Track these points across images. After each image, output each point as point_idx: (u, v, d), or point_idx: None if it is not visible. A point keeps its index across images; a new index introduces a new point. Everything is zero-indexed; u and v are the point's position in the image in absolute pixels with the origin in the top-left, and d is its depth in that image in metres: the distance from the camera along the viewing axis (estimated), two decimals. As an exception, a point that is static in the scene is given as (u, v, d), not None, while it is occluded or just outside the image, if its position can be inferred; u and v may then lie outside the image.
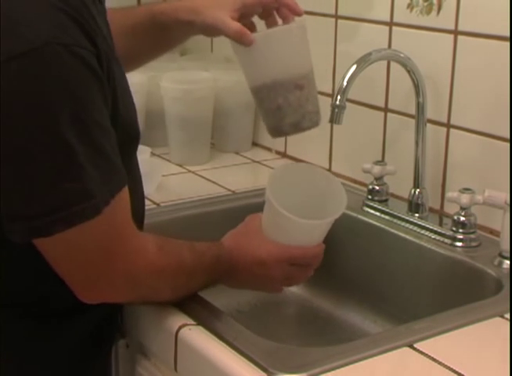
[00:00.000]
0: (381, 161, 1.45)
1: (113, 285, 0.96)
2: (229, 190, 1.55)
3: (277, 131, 1.15)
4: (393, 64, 1.43)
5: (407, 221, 1.37)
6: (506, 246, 1.20)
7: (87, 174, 0.88)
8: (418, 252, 1.32)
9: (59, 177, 0.87)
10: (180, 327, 1.02)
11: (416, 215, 1.37)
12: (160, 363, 1.10)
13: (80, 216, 0.88)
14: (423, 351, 0.97)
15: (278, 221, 1.07)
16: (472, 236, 1.28)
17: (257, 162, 1.73)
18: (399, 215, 1.38)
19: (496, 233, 1.27)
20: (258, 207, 1.14)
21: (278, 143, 1.74)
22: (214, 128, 1.75)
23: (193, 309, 1.06)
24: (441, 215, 1.39)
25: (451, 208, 1.33)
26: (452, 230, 1.29)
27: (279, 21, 1.19)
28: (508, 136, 1.26)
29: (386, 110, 1.49)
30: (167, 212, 1.42)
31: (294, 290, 1.48)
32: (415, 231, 1.35)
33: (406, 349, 0.97)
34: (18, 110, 0.85)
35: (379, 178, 1.44)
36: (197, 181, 1.60)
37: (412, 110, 1.36)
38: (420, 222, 1.35)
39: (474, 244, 1.28)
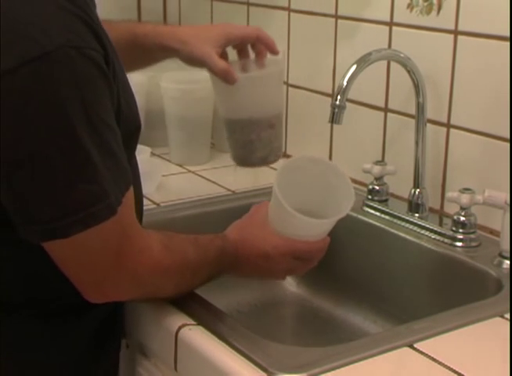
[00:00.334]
0: (381, 161, 1.45)
1: (118, 285, 0.97)
2: (229, 190, 1.55)
3: (245, 162, 1.26)
4: (393, 64, 1.42)
5: (407, 221, 1.37)
6: (506, 246, 1.20)
7: (100, 175, 0.88)
8: (418, 252, 1.32)
9: (75, 179, 0.87)
10: (180, 327, 1.02)
11: (416, 215, 1.37)
12: (160, 363, 1.10)
13: (96, 217, 0.88)
14: (423, 351, 0.97)
15: (284, 216, 1.07)
16: (472, 236, 1.28)
17: (257, 162, 1.73)
18: (399, 215, 1.38)
19: (496, 233, 1.27)
20: (258, 207, 1.14)
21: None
22: (214, 128, 1.74)
23: (193, 309, 1.06)
24: (441, 215, 1.39)
25: (451, 208, 1.33)
26: (452, 230, 1.29)
27: (252, 54, 1.26)
28: (508, 136, 1.26)
29: (386, 110, 1.49)
30: (167, 212, 1.42)
31: (294, 290, 1.48)
32: (415, 231, 1.35)
33: (406, 349, 0.97)
34: (32, 113, 0.85)
35: (379, 178, 1.44)
36: (197, 181, 1.60)
37: (412, 110, 1.36)
38: (420, 222, 1.35)
39: (474, 244, 1.28)
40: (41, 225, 0.88)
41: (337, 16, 1.56)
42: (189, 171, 1.66)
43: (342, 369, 0.92)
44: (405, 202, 1.39)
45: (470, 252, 1.27)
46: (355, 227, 1.42)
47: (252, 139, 1.23)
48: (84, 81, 0.87)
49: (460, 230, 1.29)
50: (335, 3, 1.56)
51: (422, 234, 1.33)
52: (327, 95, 1.59)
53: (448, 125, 1.37)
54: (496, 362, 0.96)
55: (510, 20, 1.23)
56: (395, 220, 1.38)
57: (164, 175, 1.58)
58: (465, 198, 1.26)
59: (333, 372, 0.91)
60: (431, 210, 1.39)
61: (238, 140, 1.25)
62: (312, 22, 1.62)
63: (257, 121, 1.22)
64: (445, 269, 1.28)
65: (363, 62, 1.25)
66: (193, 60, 1.22)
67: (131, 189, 0.95)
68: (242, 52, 1.27)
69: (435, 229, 1.32)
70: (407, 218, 1.37)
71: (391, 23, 1.45)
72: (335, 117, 1.23)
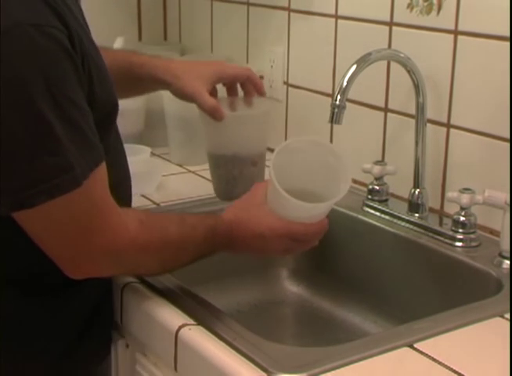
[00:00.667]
0: (381, 161, 1.45)
1: (93, 261, 0.99)
2: (229, 190, 1.54)
3: (226, 196, 1.30)
4: (393, 64, 1.43)
5: (407, 221, 1.37)
6: (506, 246, 1.20)
7: (64, 148, 0.90)
8: (418, 252, 1.32)
9: (38, 151, 0.89)
10: (180, 327, 1.02)
11: (416, 215, 1.37)
12: (160, 362, 1.10)
13: (60, 188, 0.91)
14: (423, 351, 0.97)
15: (279, 198, 1.07)
16: (472, 236, 1.28)
17: (257, 162, 1.73)
18: (399, 215, 1.38)
19: (496, 233, 1.27)
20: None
21: (278, 143, 1.73)
22: (214, 128, 1.74)
23: (193, 309, 1.06)
24: (441, 215, 1.39)
25: (451, 208, 1.34)
26: (452, 230, 1.29)
27: (240, 92, 1.31)
28: (508, 136, 1.26)
29: (386, 110, 1.49)
30: (167, 212, 1.42)
31: (294, 290, 1.48)
32: (415, 231, 1.35)
33: (406, 349, 0.97)
34: None
35: (379, 178, 1.44)
36: (197, 181, 1.60)
37: (412, 110, 1.36)
38: (420, 222, 1.35)
39: (474, 244, 1.28)
40: (9, 195, 0.90)
41: (336, 16, 1.56)
42: (189, 171, 1.66)
43: (342, 369, 0.92)
44: (405, 202, 1.39)
45: (470, 252, 1.27)
46: (354, 227, 1.43)
47: (235, 176, 1.28)
48: (44, 57, 0.89)
49: (460, 230, 1.29)
50: (335, 3, 1.56)
51: (422, 234, 1.33)
52: (327, 95, 1.59)
53: (448, 125, 1.37)
54: (496, 362, 0.96)
55: (510, 20, 1.23)
56: (395, 220, 1.38)
57: (163, 175, 1.58)
58: (465, 198, 1.26)
59: (333, 372, 0.91)
60: (431, 210, 1.39)
61: (221, 176, 1.30)
62: (312, 22, 1.62)
63: (240, 158, 1.27)
64: (445, 269, 1.28)
65: (363, 62, 1.26)
66: (184, 95, 1.26)
67: (103, 165, 0.96)
68: (231, 90, 1.32)
69: (435, 229, 1.32)
70: (407, 218, 1.37)
71: (391, 23, 1.45)
72: (335, 117, 1.23)
